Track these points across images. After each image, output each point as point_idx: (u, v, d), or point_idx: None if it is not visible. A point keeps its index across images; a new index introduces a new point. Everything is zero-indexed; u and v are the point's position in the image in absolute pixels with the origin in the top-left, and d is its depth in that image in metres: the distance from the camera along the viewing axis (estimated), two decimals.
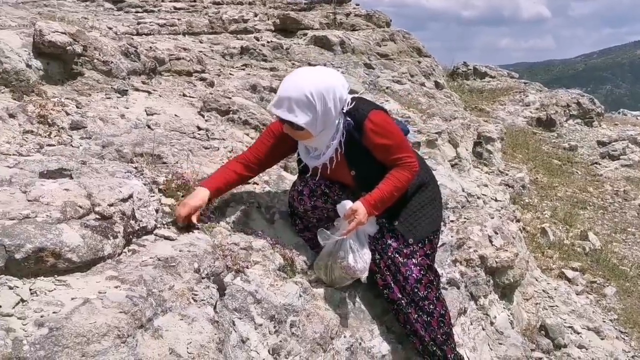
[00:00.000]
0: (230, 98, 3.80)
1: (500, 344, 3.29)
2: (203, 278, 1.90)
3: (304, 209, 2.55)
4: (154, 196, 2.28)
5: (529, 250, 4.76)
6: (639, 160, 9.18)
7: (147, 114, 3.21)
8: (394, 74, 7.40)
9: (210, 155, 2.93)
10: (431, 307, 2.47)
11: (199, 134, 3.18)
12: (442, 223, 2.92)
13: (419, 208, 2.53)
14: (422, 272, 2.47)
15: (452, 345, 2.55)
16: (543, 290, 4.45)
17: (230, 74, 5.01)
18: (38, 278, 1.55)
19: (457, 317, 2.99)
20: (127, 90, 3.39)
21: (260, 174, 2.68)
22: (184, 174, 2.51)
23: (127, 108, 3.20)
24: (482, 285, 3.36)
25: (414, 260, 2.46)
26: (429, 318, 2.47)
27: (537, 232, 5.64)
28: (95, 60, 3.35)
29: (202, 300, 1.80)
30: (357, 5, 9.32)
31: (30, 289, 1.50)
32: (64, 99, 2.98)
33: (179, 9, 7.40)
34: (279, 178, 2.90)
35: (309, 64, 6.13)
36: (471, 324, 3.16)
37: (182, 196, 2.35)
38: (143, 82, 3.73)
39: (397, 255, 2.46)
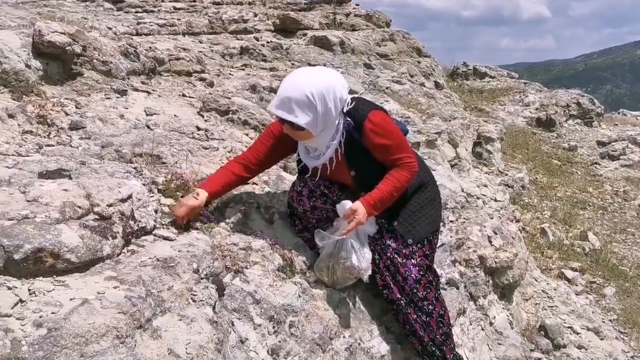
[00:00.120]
0: (229, 98, 3.80)
1: (500, 344, 3.29)
2: (202, 278, 1.90)
3: (303, 210, 2.55)
4: (153, 196, 2.28)
5: (528, 251, 4.76)
6: (638, 161, 9.18)
7: (147, 114, 3.20)
8: (394, 74, 7.40)
9: (209, 156, 2.93)
10: (430, 307, 2.48)
11: (198, 134, 3.18)
12: (441, 223, 2.92)
13: (418, 208, 2.54)
14: (421, 272, 2.47)
15: (451, 346, 2.55)
16: (542, 291, 4.45)
17: (230, 74, 5.01)
18: (37, 278, 1.55)
19: (457, 317, 2.99)
20: (126, 91, 3.39)
21: (260, 174, 2.68)
22: (183, 174, 2.51)
23: (127, 108, 3.20)
24: (481, 286, 3.36)
25: (413, 260, 2.46)
26: (428, 318, 2.47)
27: (536, 232, 5.64)
28: (94, 61, 3.35)
29: (201, 300, 1.80)
30: (357, 5, 9.31)
31: (29, 290, 1.50)
32: (63, 99, 2.98)
33: (179, 9, 7.39)
34: (278, 178, 2.90)
35: (309, 64, 6.12)
36: (470, 324, 3.16)
37: (181, 196, 2.35)
38: (142, 82, 3.72)
39: (396, 256, 2.46)
